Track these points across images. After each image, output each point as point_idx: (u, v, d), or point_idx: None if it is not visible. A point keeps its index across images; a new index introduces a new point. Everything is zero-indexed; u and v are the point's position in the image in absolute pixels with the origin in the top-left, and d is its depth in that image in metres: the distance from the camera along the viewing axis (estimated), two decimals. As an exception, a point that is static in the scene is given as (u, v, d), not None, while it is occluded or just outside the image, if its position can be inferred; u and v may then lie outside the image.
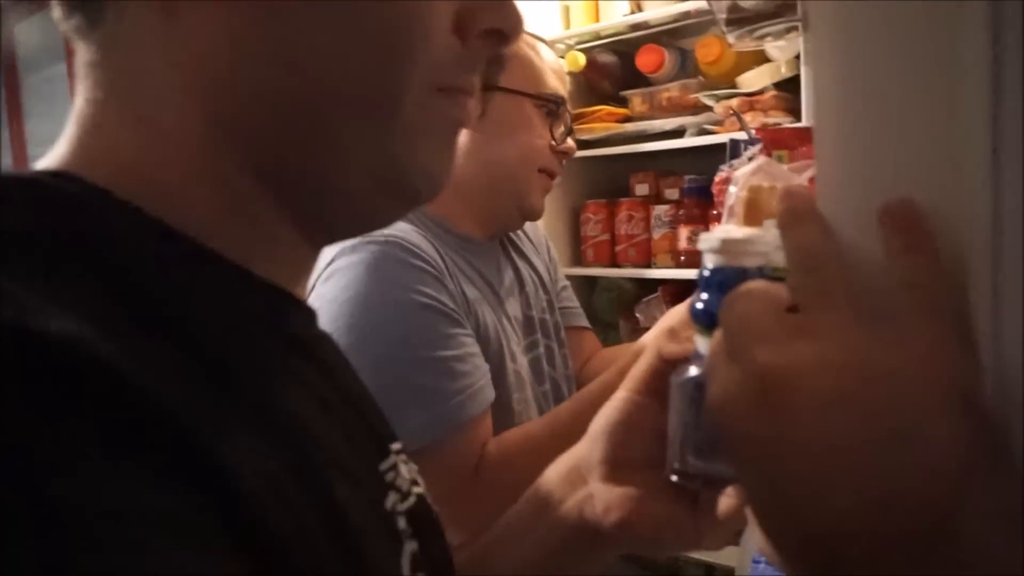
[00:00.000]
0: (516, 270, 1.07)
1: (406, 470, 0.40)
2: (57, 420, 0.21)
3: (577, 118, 1.72)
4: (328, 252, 0.87)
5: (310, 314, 0.38)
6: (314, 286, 0.85)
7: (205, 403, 0.26)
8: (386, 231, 0.85)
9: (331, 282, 0.84)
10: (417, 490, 0.40)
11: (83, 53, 0.33)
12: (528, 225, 1.15)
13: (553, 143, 1.01)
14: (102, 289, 0.26)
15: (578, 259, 1.90)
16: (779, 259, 0.36)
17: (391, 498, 0.37)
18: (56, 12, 0.33)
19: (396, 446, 0.41)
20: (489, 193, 0.98)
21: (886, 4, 0.28)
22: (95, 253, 0.28)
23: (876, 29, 0.28)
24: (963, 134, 0.26)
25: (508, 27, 0.35)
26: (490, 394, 0.86)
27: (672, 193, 1.78)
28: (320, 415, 0.34)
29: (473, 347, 0.86)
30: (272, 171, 0.33)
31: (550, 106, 1.00)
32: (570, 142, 1.04)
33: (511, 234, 1.11)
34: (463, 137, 0.96)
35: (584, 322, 1.21)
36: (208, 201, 0.32)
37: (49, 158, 0.33)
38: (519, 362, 0.98)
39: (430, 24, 0.33)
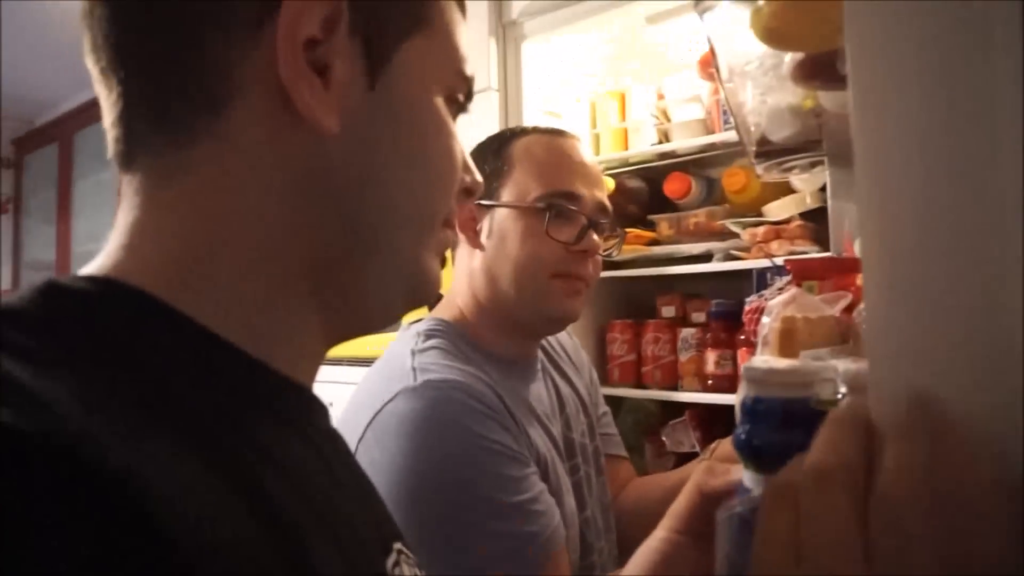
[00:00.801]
0: (557, 390, 1.04)
1: (408, 569, 0.41)
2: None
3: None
4: (384, 387, 0.84)
5: (324, 411, 0.42)
6: (372, 420, 0.82)
7: (195, 490, 0.27)
8: (444, 375, 0.83)
9: (390, 425, 0.81)
10: None
11: (149, 168, 0.36)
12: (569, 345, 1.14)
13: (570, 244, 0.93)
14: (132, 394, 0.29)
15: (603, 378, 1.89)
16: (823, 391, 0.36)
17: None
18: (112, 125, 0.37)
19: (398, 545, 0.42)
20: (507, 308, 0.96)
21: (935, 138, 0.27)
22: (133, 359, 0.30)
23: (925, 159, 0.27)
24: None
25: (476, 187, 0.47)
26: (563, 531, 0.83)
27: (699, 316, 1.78)
28: (322, 506, 0.35)
29: (541, 484, 0.84)
30: (330, 274, 0.39)
31: (550, 210, 0.93)
32: (593, 239, 0.96)
33: (552, 353, 1.09)
34: (475, 258, 0.97)
35: (622, 451, 1.17)
36: (260, 307, 0.36)
37: (98, 264, 0.35)
38: (564, 487, 0.94)
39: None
